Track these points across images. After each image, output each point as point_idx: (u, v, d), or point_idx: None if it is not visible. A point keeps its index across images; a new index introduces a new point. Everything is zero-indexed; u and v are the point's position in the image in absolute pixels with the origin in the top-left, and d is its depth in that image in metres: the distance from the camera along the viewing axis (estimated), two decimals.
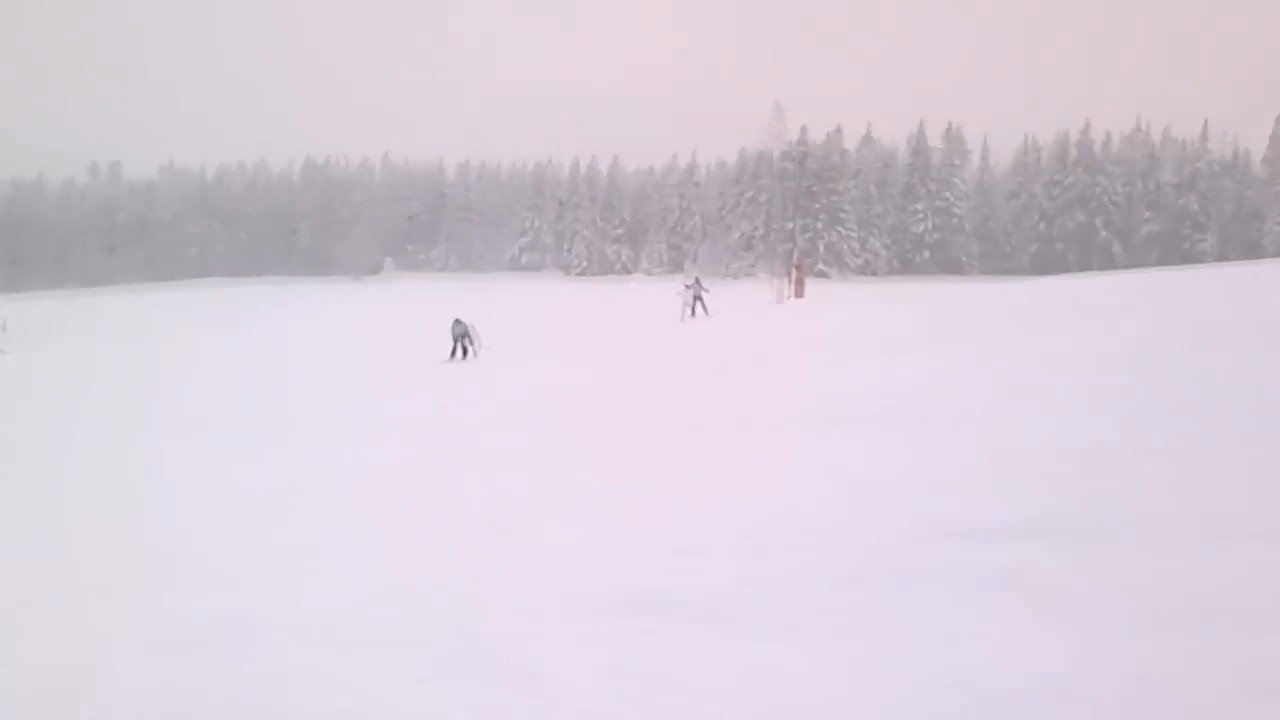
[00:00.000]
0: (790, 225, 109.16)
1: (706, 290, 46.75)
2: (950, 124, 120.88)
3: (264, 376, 31.06)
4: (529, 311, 61.18)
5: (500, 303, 68.85)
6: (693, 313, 45.19)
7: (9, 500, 14.91)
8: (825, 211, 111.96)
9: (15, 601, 9.28)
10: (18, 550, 11.56)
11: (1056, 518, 8.12)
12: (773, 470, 11.61)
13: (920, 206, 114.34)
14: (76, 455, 18.69)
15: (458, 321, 34.21)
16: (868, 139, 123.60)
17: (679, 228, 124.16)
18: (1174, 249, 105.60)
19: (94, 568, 10.38)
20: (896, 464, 11.06)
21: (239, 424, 21.01)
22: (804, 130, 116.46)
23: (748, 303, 55.97)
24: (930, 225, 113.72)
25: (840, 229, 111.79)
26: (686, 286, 47.08)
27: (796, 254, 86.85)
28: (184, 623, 7.85)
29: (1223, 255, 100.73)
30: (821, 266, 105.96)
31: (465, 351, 33.79)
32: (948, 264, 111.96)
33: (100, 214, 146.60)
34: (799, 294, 61.11)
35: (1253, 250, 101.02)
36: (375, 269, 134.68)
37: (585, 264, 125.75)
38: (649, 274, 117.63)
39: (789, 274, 67.91)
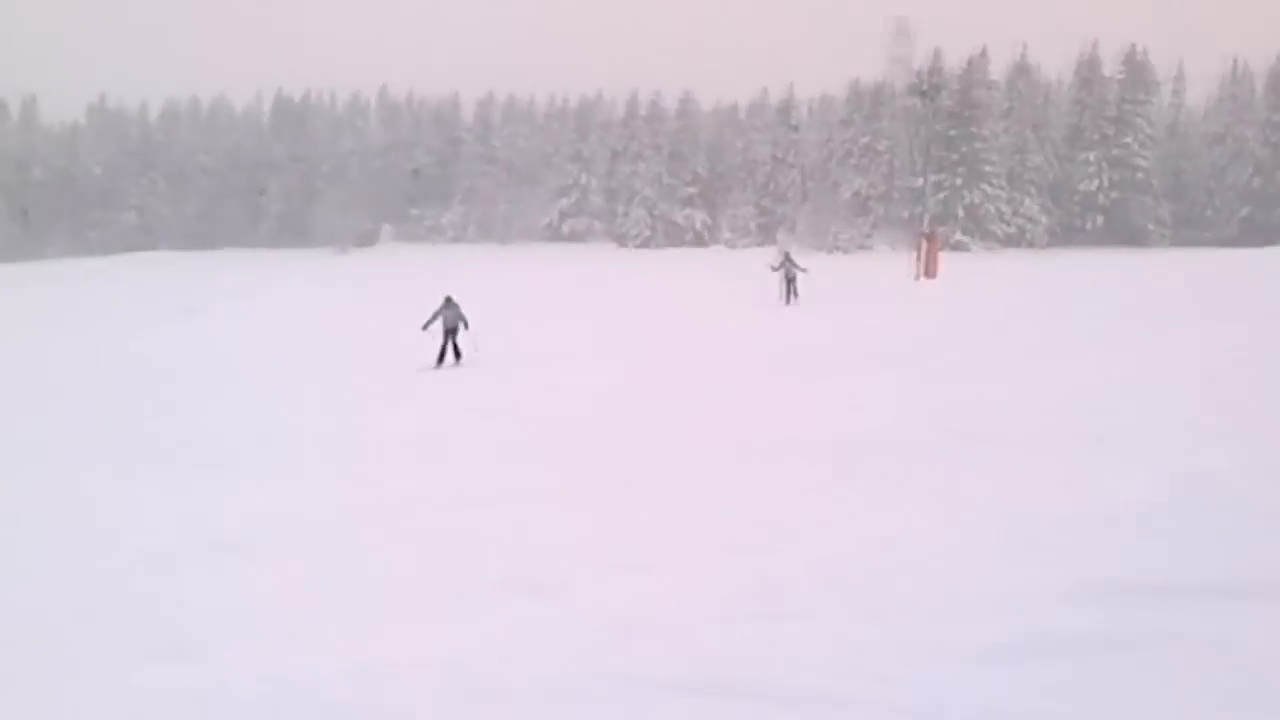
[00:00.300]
0: (919, 182, 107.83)
1: (802, 269, 46.69)
2: (1133, 46, 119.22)
3: (217, 384, 31.21)
4: (574, 296, 61.17)
5: (534, 283, 69.02)
6: (788, 297, 45.22)
7: None
8: (965, 163, 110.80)
9: None
10: None
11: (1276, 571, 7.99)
12: (896, 504, 11.54)
13: (1091, 157, 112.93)
14: None
15: (449, 302, 32.66)
16: (1021, 67, 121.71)
17: (771, 185, 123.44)
18: None
19: (18, 634, 10.46)
20: (1059, 496, 10.95)
21: (180, 446, 21.15)
22: (937, 55, 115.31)
23: (864, 284, 55.76)
24: (1104, 181, 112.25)
25: (985, 186, 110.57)
26: (774, 268, 47.05)
27: (927, 220, 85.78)
28: (126, 703, 7.90)
29: None
30: (960, 236, 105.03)
31: (458, 352, 32.45)
32: (1127, 232, 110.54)
33: (9, 167, 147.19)
34: (930, 273, 60.78)
35: None
36: (368, 239, 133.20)
37: (647, 233, 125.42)
38: (731, 245, 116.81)
39: (917, 247, 67.50)
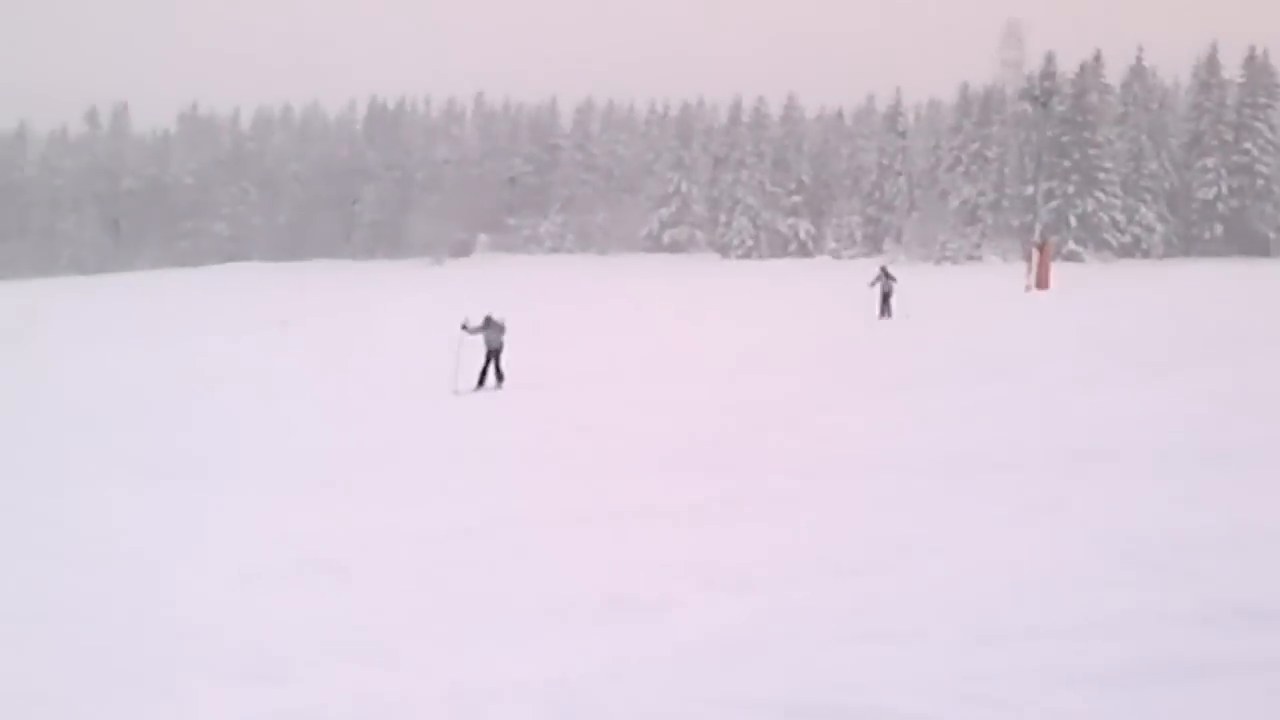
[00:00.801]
0: (1030, 190, 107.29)
1: (894, 280, 46.58)
2: (1254, 48, 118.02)
3: (309, 399, 31.40)
4: (672, 309, 61.21)
5: (633, 296, 69.15)
6: (882, 312, 45.32)
7: None
8: (1078, 170, 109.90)
9: None
10: None
11: None
12: (1008, 523, 11.48)
13: (1210, 163, 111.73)
14: (49, 497, 19.09)
15: (490, 323, 31.68)
16: (1137, 70, 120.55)
17: (877, 194, 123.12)
18: None
19: (113, 653, 10.59)
20: (1180, 515, 10.85)
21: (272, 463, 21.35)
22: (1049, 59, 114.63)
23: (974, 295, 55.51)
24: (1224, 189, 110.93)
25: (1099, 194, 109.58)
26: (871, 284, 46.96)
27: (1039, 230, 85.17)
28: None
29: None
30: (1073, 246, 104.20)
31: (500, 375, 31.41)
32: (1247, 241, 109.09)
33: (100, 176, 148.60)
34: (1042, 284, 60.35)
35: None
36: (464, 249, 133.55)
37: (750, 242, 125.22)
38: (836, 255, 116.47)
39: (1028, 257, 67.00)
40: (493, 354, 31.48)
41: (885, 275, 46.83)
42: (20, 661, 10.03)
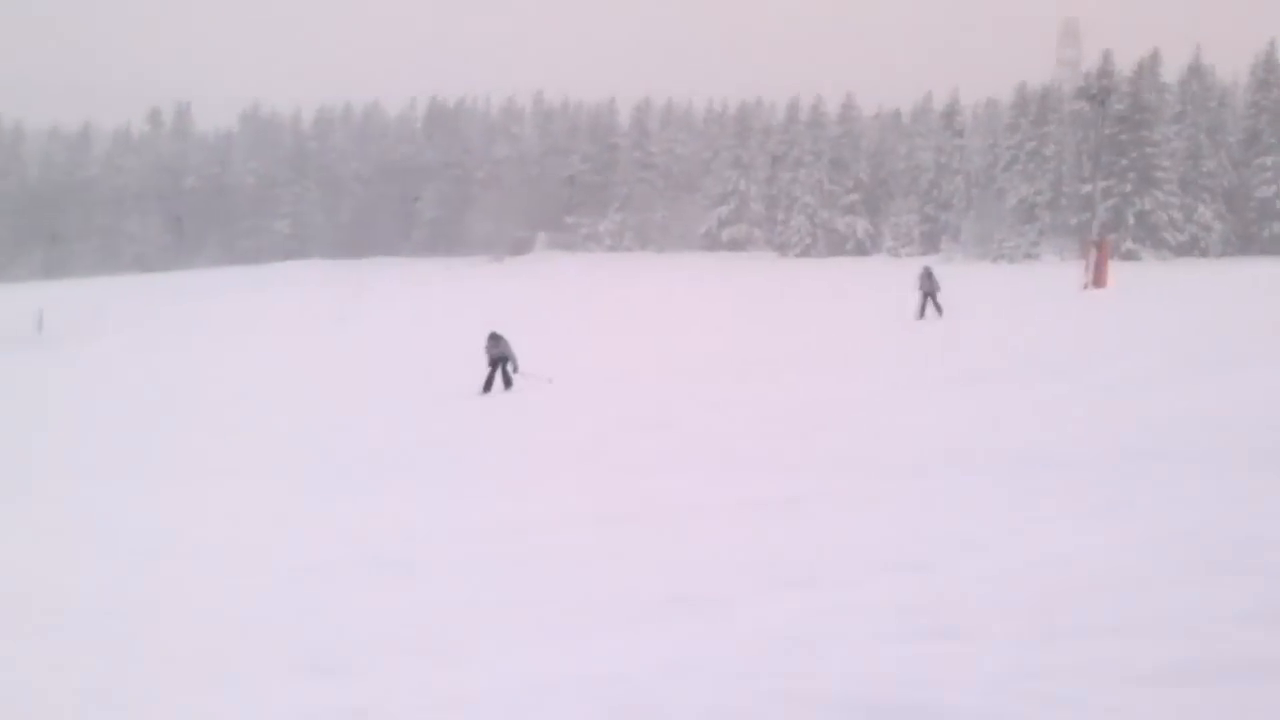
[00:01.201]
0: (1088, 188, 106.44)
1: (938, 288, 45.94)
2: None
3: (367, 396, 31.55)
4: (729, 307, 61.19)
5: (689, 292, 69.16)
6: (922, 311, 45.04)
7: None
8: (1136, 169, 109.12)
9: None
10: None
11: None
12: (1066, 521, 11.43)
13: (1269, 161, 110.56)
14: (113, 495, 19.21)
15: (495, 338, 33.38)
16: (1195, 69, 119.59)
17: (934, 192, 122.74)
18: None
19: (178, 648, 10.66)
20: (1238, 515, 10.78)
21: (332, 459, 21.48)
22: (1106, 57, 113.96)
23: (1031, 293, 55.31)
24: None
25: (1156, 193, 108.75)
26: (919, 287, 46.22)
27: (1097, 227, 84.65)
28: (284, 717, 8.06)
29: None
30: (1130, 244, 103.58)
31: (507, 380, 32.92)
32: None
33: (163, 175, 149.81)
34: (1099, 282, 59.98)
35: None
36: (523, 247, 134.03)
37: (808, 240, 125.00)
38: (894, 254, 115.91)
39: (1086, 255, 66.61)
40: (495, 361, 33.09)
41: (929, 275, 46.31)
42: (86, 658, 10.11)
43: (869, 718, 6.84)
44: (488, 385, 32.75)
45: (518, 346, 33.13)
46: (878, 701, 7.03)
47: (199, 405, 31.73)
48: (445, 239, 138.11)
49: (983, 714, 6.70)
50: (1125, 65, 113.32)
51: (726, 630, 9.21)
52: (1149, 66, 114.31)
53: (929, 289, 45.37)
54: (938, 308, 44.96)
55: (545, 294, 77.03)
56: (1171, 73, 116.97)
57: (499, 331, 33.37)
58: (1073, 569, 9.74)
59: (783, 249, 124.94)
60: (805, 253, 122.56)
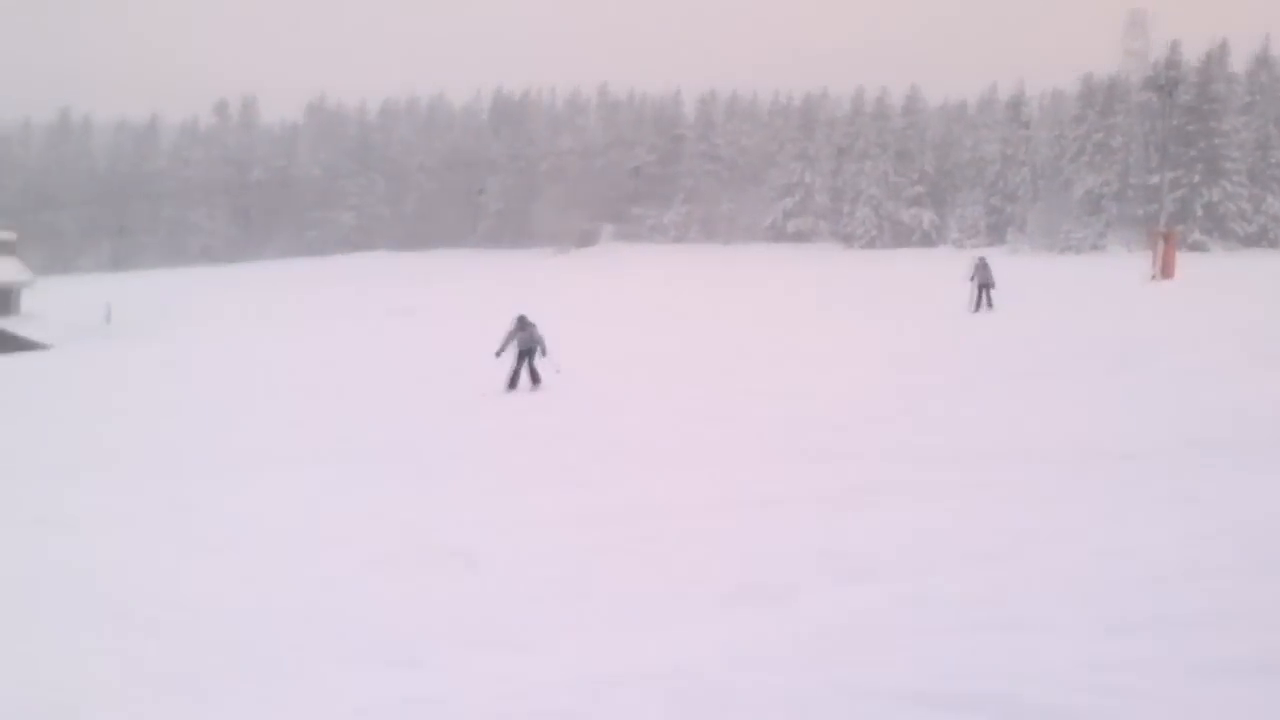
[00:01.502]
0: (1155, 179, 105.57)
1: (991, 272, 45.03)
2: None
3: (432, 387, 31.49)
4: (795, 300, 61.09)
5: (754, 282, 69.07)
6: (977, 304, 44.19)
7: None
8: (1203, 160, 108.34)
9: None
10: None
11: None
12: (1135, 514, 11.37)
13: None
14: (179, 485, 19.34)
15: (523, 323, 30.25)
16: (1263, 59, 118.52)
17: (1000, 184, 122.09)
18: None
19: (246, 636, 10.73)
20: None
21: (398, 450, 21.55)
22: (1173, 48, 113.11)
23: (1098, 285, 54.94)
24: None
25: (1225, 184, 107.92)
26: (971, 277, 45.49)
27: (1164, 219, 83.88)
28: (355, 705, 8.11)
29: None
30: (1198, 235, 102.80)
31: (535, 377, 29.87)
32: None
33: (230, 167, 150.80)
34: (1166, 273, 59.55)
35: None
36: (588, 239, 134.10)
37: (873, 232, 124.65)
38: (959, 245, 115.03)
39: (1153, 246, 66.15)
40: (525, 354, 30.12)
41: (984, 266, 45.32)
42: (154, 646, 10.19)
43: (934, 709, 6.81)
44: (513, 381, 29.83)
45: (549, 334, 30.43)
46: (944, 693, 7.00)
47: (265, 396, 31.84)
48: (510, 231, 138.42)
49: (1049, 706, 6.66)
50: (1193, 55, 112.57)
51: (792, 621, 9.20)
52: (1217, 57, 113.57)
53: (984, 280, 44.64)
54: (989, 301, 44.24)
55: (608, 286, 77.12)
56: (1240, 63, 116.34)
57: (528, 316, 30.48)
58: (1142, 560, 9.68)
59: (848, 241, 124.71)
60: (870, 244, 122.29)
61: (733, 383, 28.03)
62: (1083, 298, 45.53)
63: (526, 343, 30.04)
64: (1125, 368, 24.20)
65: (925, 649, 7.98)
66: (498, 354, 30.06)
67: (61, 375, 42.58)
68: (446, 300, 70.61)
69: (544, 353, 29.97)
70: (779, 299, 60.37)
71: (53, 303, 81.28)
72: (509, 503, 15.72)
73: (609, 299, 65.74)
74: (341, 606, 11.18)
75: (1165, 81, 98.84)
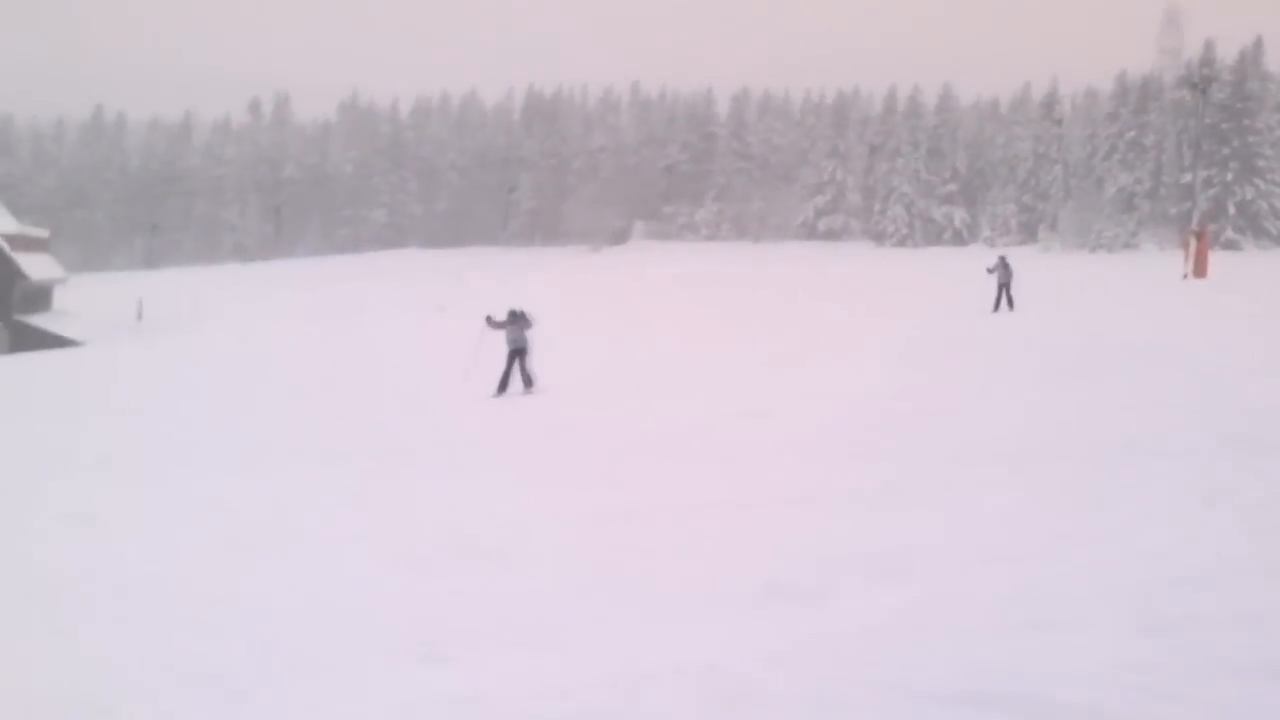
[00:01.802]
0: (1188, 178, 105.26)
1: (1011, 270, 44.29)
2: None
3: (465, 384, 31.47)
4: (828, 298, 61.03)
5: (786, 281, 69.10)
6: (997, 304, 43.72)
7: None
8: (1237, 158, 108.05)
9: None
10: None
11: None
12: (1170, 513, 11.34)
13: None
14: (213, 483, 19.39)
15: (515, 317, 28.29)
16: None
17: (1032, 182, 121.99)
18: None
19: (276, 632, 10.75)
20: None
21: (429, 447, 21.63)
22: (1208, 46, 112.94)
23: (1131, 283, 54.88)
24: None
25: (1259, 182, 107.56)
26: (990, 270, 44.96)
27: (1197, 217, 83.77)
28: (385, 703, 8.12)
29: None
30: (1231, 234, 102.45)
31: (527, 379, 28.25)
32: None
33: (263, 165, 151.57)
34: (1199, 272, 59.37)
35: None
36: (621, 237, 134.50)
37: (905, 230, 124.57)
38: (991, 244, 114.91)
39: (1185, 245, 65.96)
40: (516, 354, 28.29)
41: (1004, 265, 44.57)
42: (193, 643, 10.22)
43: (968, 709, 6.80)
44: (503, 384, 28.07)
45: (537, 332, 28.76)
46: (976, 693, 6.99)
47: (295, 393, 31.93)
48: (542, 229, 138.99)
49: (1082, 706, 6.65)
50: (1227, 54, 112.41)
51: (824, 620, 9.19)
52: (1251, 55, 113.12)
53: (1004, 279, 44.02)
54: (1010, 300, 43.68)
55: (642, 286, 77.19)
56: (1275, 61, 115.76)
57: (521, 310, 28.46)
58: (1175, 560, 9.65)
59: (879, 239, 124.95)
60: (902, 243, 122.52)
61: (760, 381, 27.98)
62: (1116, 297, 45.41)
63: (517, 341, 28.29)
64: (1158, 366, 24.12)
65: (958, 649, 7.96)
66: (477, 344, 28.96)
67: (93, 372, 42.86)
68: (478, 299, 70.75)
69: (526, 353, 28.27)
70: (810, 297, 60.32)
71: (85, 300, 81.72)
72: (537, 500, 15.72)
73: (638, 297, 65.76)
74: (371, 604, 11.19)
75: (1199, 79, 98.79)
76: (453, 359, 33.40)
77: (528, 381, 28.25)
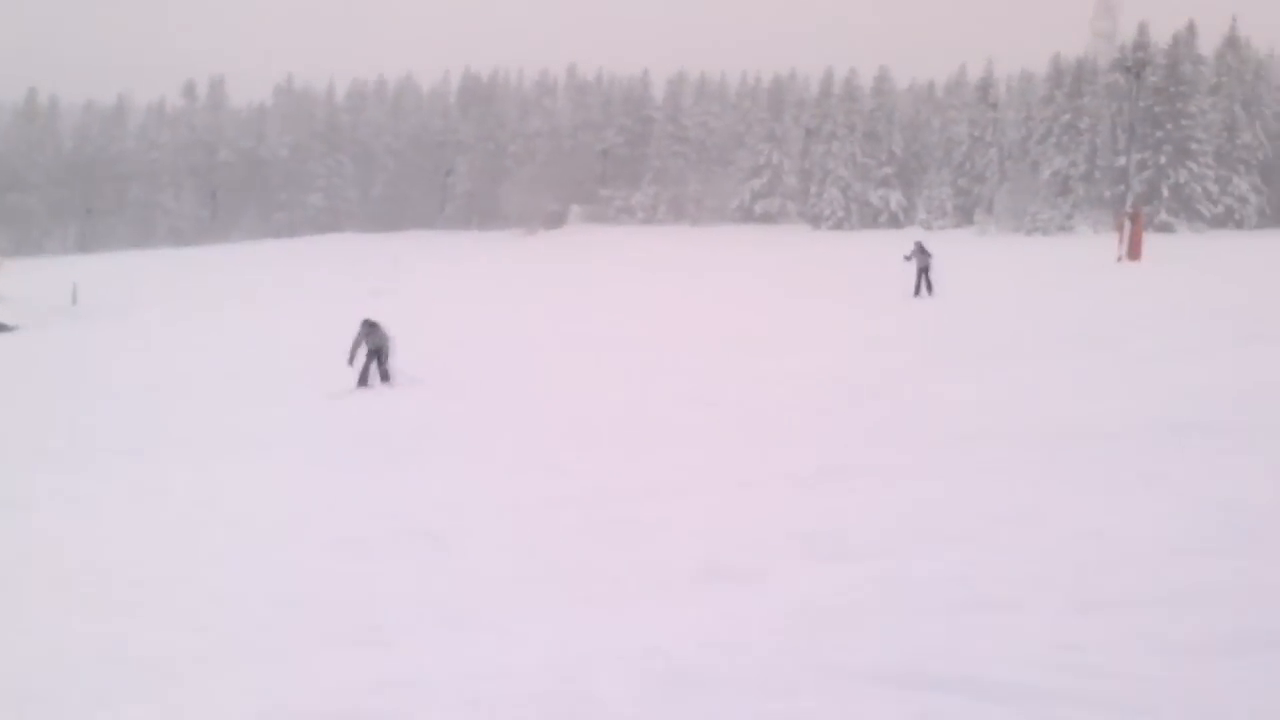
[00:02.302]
0: (1122, 161, 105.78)
1: (929, 255, 44.29)
2: None
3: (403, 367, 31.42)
4: (766, 281, 61.11)
5: (722, 265, 69.19)
6: (917, 289, 43.68)
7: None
8: (1171, 141, 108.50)
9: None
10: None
11: None
12: (1106, 494, 11.45)
13: None
14: (154, 469, 19.32)
15: (370, 326, 29.86)
16: (1231, 41, 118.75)
17: (968, 165, 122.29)
18: None
19: (217, 618, 10.72)
20: (1277, 488, 10.74)
21: (366, 432, 21.60)
22: (1141, 30, 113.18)
23: (1064, 266, 55.21)
24: None
25: (1191, 165, 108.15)
26: (906, 258, 44.94)
27: (1131, 200, 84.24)
28: (325, 687, 8.10)
29: None
30: (1165, 216, 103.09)
31: (384, 374, 29.72)
32: None
33: (198, 149, 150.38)
34: (1134, 254, 59.70)
35: None
36: (556, 220, 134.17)
37: (841, 213, 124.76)
38: (927, 226, 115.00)
39: (1120, 227, 66.34)
40: (374, 353, 29.82)
41: (921, 250, 44.53)
42: (132, 626, 10.19)
43: (904, 689, 6.86)
44: (363, 379, 29.51)
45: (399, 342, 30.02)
46: (913, 674, 7.06)
47: (232, 378, 31.76)
48: (479, 212, 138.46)
49: (1021, 686, 6.71)
50: (1161, 37, 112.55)
51: (765, 603, 9.23)
52: (1185, 39, 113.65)
53: (923, 264, 43.97)
54: (929, 285, 43.66)
55: (575, 270, 77.07)
56: (1208, 45, 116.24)
57: (376, 320, 30.05)
58: (1110, 541, 9.73)
59: (816, 222, 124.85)
60: (838, 225, 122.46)
61: (703, 365, 28.01)
62: (1051, 279, 45.65)
63: (376, 342, 29.84)
64: (1094, 348, 24.27)
65: (897, 629, 8.02)
66: (349, 362, 29.57)
67: (27, 357, 42.50)
68: (418, 282, 70.53)
69: (391, 355, 29.83)
70: (745, 282, 60.33)
71: (19, 284, 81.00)
72: (477, 486, 15.73)
73: (578, 281, 65.63)
74: (311, 589, 11.19)
75: (1133, 63, 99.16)
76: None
77: (384, 376, 29.83)
